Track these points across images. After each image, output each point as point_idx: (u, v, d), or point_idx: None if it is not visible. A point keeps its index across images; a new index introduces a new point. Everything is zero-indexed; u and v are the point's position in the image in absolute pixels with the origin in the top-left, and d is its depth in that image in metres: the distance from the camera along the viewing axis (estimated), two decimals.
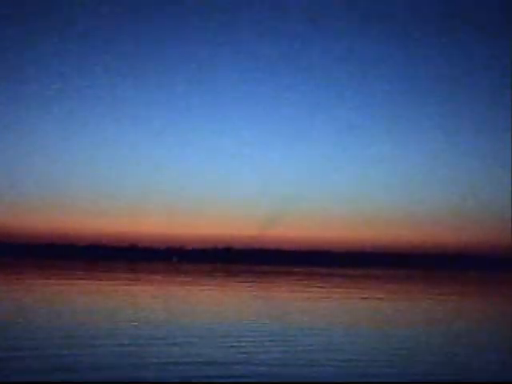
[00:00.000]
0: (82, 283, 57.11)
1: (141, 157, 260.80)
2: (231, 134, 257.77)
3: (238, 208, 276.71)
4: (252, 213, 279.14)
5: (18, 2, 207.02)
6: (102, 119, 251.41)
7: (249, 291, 54.59)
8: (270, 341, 21.73)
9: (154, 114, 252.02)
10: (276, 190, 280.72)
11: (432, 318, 33.43)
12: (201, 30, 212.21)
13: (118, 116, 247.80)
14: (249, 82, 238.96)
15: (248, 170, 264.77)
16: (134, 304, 36.19)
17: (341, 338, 23.43)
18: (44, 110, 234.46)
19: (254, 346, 20.43)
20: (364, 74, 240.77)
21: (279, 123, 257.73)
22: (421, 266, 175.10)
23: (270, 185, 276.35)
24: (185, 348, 19.54)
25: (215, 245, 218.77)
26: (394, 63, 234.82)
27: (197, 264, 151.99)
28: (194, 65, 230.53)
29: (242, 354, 18.62)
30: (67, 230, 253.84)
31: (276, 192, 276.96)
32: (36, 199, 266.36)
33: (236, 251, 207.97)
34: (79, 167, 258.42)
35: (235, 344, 20.62)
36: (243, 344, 20.70)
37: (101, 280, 63.64)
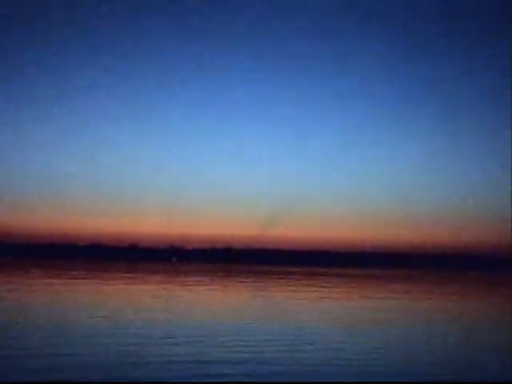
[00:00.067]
0: (81, 283, 56.99)
1: (141, 157, 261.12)
2: (231, 134, 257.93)
3: (238, 208, 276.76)
4: (252, 213, 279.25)
5: (18, 2, 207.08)
6: (102, 119, 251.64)
7: (249, 291, 54.56)
8: (270, 340, 21.72)
9: (154, 114, 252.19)
10: (276, 190, 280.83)
11: (432, 318, 33.41)
12: (201, 31, 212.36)
13: (118, 116, 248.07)
14: (249, 82, 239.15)
15: (248, 170, 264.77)
16: (134, 304, 36.16)
17: (341, 337, 23.41)
18: (44, 109, 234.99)
19: (254, 345, 20.43)
20: (364, 75, 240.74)
21: (279, 123, 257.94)
22: (421, 266, 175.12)
23: (270, 185, 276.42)
24: (185, 348, 19.54)
25: (215, 245, 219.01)
26: (394, 64, 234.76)
27: (197, 264, 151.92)
28: (195, 65, 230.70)
29: (242, 354, 18.62)
30: (67, 230, 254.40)
31: (276, 192, 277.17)
32: (36, 199, 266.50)
33: (236, 251, 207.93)
34: (79, 167, 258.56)
35: (235, 344, 20.62)
36: (243, 344, 20.70)
37: (101, 280, 63.57)
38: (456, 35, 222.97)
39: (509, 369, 18.23)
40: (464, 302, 49.10)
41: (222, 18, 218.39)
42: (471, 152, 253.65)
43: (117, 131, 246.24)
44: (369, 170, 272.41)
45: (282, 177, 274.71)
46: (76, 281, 60.26)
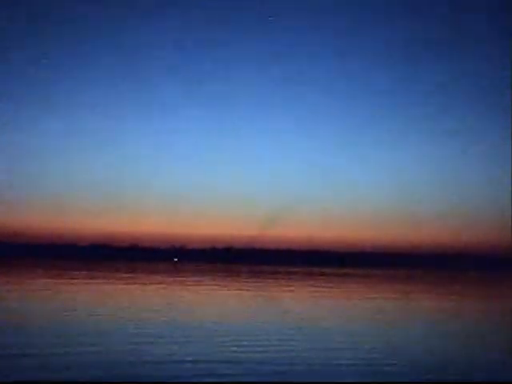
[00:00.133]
0: (82, 283, 56.97)
1: (141, 157, 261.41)
2: (232, 134, 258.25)
3: (239, 208, 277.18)
4: (252, 213, 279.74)
5: (18, 2, 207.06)
6: (103, 119, 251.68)
7: (249, 291, 54.55)
8: (270, 340, 21.74)
9: (154, 115, 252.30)
10: (276, 190, 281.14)
11: (432, 318, 33.45)
12: (201, 32, 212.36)
13: (118, 116, 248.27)
14: (249, 83, 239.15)
15: (248, 170, 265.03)
16: (134, 304, 36.18)
17: (341, 337, 23.41)
18: (44, 109, 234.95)
19: (254, 345, 20.43)
20: (364, 75, 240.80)
21: (279, 123, 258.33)
22: (421, 266, 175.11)
23: (270, 185, 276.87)
24: (185, 347, 19.55)
25: (215, 245, 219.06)
26: (394, 64, 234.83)
27: (197, 264, 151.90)
28: (195, 65, 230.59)
29: (242, 354, 18.64)
30: (67, 230, 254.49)
31: (276, 192, 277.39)
32: (36, 199, 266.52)
33: (236, 251, 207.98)
34: (80, 167, 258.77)
35: (235, 343, 20.62)
36: (243, 343, 20.71)
37: (101, 280, 63.53)
38: (456, 35, 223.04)
39: (509, 369, 18.22)
40: (464, 302, 49.10)
41: (222, 18, 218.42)
42: (471, 152, 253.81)
43: (117, 131, 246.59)
44: (369, 170, 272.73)
45: (282, 177, 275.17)
46: (76, 280, 60.24)
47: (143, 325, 25.21)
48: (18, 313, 28.59)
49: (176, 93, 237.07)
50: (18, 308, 31.09)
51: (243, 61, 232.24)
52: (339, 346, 21.17)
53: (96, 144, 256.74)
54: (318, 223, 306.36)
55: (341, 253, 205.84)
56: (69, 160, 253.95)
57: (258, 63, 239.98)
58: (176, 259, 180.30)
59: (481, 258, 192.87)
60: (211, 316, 30.11)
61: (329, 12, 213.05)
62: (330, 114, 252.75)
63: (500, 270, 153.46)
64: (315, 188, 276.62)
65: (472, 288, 75.60)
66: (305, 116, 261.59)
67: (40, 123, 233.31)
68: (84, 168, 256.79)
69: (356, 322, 29.30)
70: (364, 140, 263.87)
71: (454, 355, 20.11)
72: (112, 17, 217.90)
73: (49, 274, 73.60)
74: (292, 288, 60.55)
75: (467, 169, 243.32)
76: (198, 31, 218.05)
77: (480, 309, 42.21)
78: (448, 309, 40.88)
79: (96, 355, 17.64)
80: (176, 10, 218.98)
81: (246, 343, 20.87)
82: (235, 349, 19.57)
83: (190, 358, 17.60)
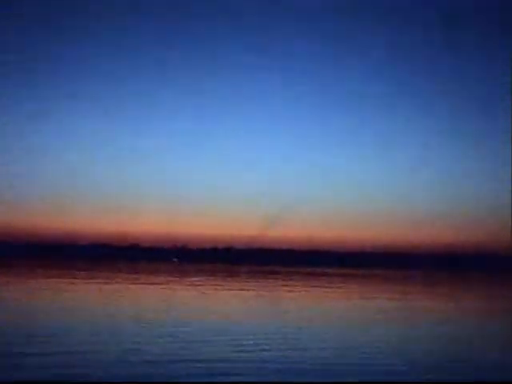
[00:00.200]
0: (82, 282, 56.99)
1: (142, 157, 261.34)
2: (232, 134, 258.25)
3: (239, 208, 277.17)
4: (253, 213, 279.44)
5: (18, 2, 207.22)
6: (103, 119, 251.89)
7: (249, 291, 54.64)
8: (270, 340, 21.75)
9: (155, 115, 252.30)
10: (276, 190, 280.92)
11: (432, 317, 33.50)
12: (202, 32, 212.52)
13: (118, 116, 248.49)
14: (250, 83, 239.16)
15: (249, 170, 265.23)
16: (134, 304, 36.22)
17: (341, 337, 23.50)
18: (44, 109, 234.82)
19: (254, 345, 20.48)
20: (364, 75, 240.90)
21: (280, 124, 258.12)
22: (421, 266, 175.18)
23: (270, 185, 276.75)
24: (185, 347, 19.55)
25: (216, 245, 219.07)
26: (394, 64, 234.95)
27: (198, 264, 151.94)
28: (196, 65, 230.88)
29: (242, 354, 18.68)
30: (68, 230, 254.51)
31: (277, 192, 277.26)
32: (37, 199, 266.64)
33: (237, 251, 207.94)
34: (81, 167, 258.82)
35: (235, 343, 20.66)
36: (243, 343, 20.74)
37: (101, 279, 63.50)
38: (456, 35, 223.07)
39: (509, 369, 18.26)
40: (464, 301, 49.18)
41: (222, 18, 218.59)
42: (471, 152, 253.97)
43: (118, 131, 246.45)
44: (369, 170, 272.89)
45: (283, 177, 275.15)
46: (76, 280, 60.19)
47: (143, 325, 25.21)
48: (18, 313, 28.59)
49: (176, 93, 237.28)
50: (18, 308, 31.13)
51: (243, 61, 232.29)
52: (339, 345, 21.18)
53: (97, 144, 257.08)
54: (318, 223, 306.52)
55: (341, 253, 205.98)
56: (69, 160, 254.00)
57: (259, 63, 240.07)
58: (175, 259, 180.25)
59: (481, 258, 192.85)
60: (211, 316, 30.10)
61: (329, 12, 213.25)
62: (330, 113, 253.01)
63: (500, 270, 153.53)
64: (315, 188, 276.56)
65: (472, 288, 75.74)
66: (305, 116, 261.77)
67: (40, 123, 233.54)
68: (85, 167, 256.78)
69: (356, 322, 29.33)
70: (364, 140, 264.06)
71: (454, 355, 20.14)
72: (115, 17, 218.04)
73: (49, 273, 73.58)
74: (292, 288, 60.63)
75: (467, 169, 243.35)
76: (198, 33, 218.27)
77: (480, 309, 42.25)
78: (448, 309, 40.90)
79: (96, 355, 17.64)
80: (176, 11, 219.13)
81: (246, 343, 20.88)
82: (235, 349, 19.58)
83: (190, 358, 17.60)
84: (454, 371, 17.24)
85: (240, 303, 40.63)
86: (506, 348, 22.79)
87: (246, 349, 19.67)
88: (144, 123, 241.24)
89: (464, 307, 43.24)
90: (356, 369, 17.01)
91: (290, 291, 55.57)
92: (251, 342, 21.06)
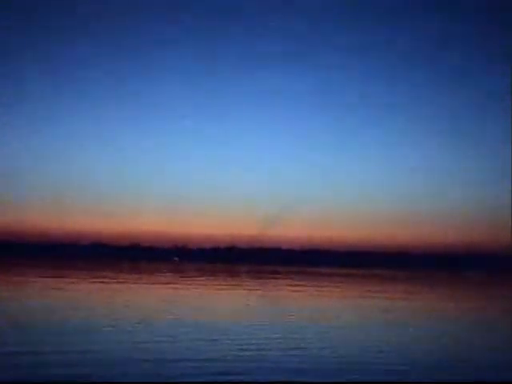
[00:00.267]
0: (82, 282, 56.96)
1: (143, 157, 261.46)
2: (233, 134, 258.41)
3: (240, 208, 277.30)
4: (253, 213, 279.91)
5: (18, 2, 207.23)
6: (103, 119, 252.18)
7: (250, 290, 54.74)
8: (270, 339, 21.80)
9: (155, 114, 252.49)
10: (277, 189, 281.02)
11: (432, 317, 33.54)
12: (202, 33, 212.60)
13: (119, 116, 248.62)
14: (250, 83, 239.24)
15: (249, 169, 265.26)
16: (134, 303, 36.31)
17: (341, 337, 23.55)
18: (44, 110, 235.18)
19: (254, 344, 20.51)
20: (364, 75, 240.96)
21: (280, 123, 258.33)
22: (421, 266, 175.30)
23: (271, 185, 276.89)
24: (185, 347, 19.61)
25: (217, 244, 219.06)
26: (394, 65, 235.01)
27: (198, 263, 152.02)
28: (196, 65, 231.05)
29: (242, 353, 18.70)
30: (69, 230, 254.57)
31: (277, 192, 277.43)
32: (37, 199, 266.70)
33: (237, 251, 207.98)
34: (81, 167, 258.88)
35: (235, 343, 20.68)
36: (244, 343, 20.77)
37: (101, 279, 63.40)
38: (456, 35, 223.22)
39: (509, 369, 18.28)
40: (464, 301, 49.26)
41: (222, 18, 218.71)
42: (471, 152, 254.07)
43: (119, 131, 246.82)
44: (369, 171, 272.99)
45: (284, 177, 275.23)
46: (76, 280, 60.13)
47: (143, 325, 25.25)
48: (18, 313, 28.64)
49: (176, 93, 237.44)
50: (18, 308, 31.18)
51: (244, 60, 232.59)
52: (339, 345, 21.20)
53: (98, 144, 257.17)
54: (318, 223, 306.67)
55: (341, 252, 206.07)
56: (70, 160, 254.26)
57: (259, 63, 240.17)
58: (176, 258, 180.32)
59: (481, 258, 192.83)
60: (212, 315, 30.14)
61: (329, 11, 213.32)
62: (330, 114, 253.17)
63: (500, 270, 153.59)
64: (315, 188, 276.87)
65: (472, 288, 75.83)
66: (305, 116, 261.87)
67: (40, 123, 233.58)
68: (85, 168, 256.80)
69: (356, 322, 29.37)
70: (364, 140, 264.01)
71: (454, 355, 20.18)
72: (115, 17, 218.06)
73: (49, 273, 73.57)
74: (292, 287, 60.67)
75: (467, 169, 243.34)
76: (198, 33, 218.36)
77: (480, 309, 42.25)
78: (448, 308, 40.94)
79: (96, 355, 17.64)
80: (176, 11, 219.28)
81: (246, 342, 20.92)
82: (235, 348, 19.60)
83: (190, 358, 17.64)
84: (454, 371, 17.26)
85: (240, 303, 40.67)
86: (505, 348, 22.81)
87: (246, 348, 19.67)
88: (144, 123, 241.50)
89: (464, 307, 43.26)
90: (356, 369, 17.01)
91: (290, 291, 55.57)
92: (251, 342, 21.09)
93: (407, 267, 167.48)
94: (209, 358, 17.67)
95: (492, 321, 33.86)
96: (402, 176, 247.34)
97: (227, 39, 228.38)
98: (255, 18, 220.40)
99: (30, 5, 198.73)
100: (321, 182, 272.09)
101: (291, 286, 64.73)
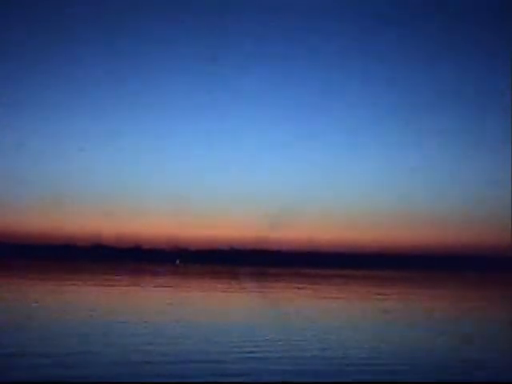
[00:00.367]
0: (83, 284, 56.92)
1: (144, 158, 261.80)
2: (234, 135, 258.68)
3: (242, 210, 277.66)
4: (255, 215, 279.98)
5: (19, 2, 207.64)
6: (105, 120, 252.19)
7: (251, 292, 54.93)
8: (270, 340, 21.87)
9: (157, 116, 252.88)
10: (279, 191, 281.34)
11: (432, 318, 33.59)
12: (202, 32, 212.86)
13: (120, 117, 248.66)
14: (251, 83, 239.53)
15: (251, 171, 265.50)
16: (134, 304, 36.47)
17: (341, 337, 23.61)
18: (44, 110, 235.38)
19: (254, 345, 20.55)
20: (365, 76, 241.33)
21: (281, 125, 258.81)
22: (421, 266, 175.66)
23: (273, 187, 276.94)
24: (185, 348, 19.67)
25: (218, 247, 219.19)
26: (394, 65, 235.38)
27: (200, 266, 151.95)
28: (199, 66, 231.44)
29: (242, 354, 18.77)
30: (70, 232, 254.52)
31: (279, 194, 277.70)
32: (37, 200, 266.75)
33: (239, 253, 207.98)
34: (82, 168, 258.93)
35: (236, 343, 20.76)
36: (244, 343, 20.83)
37: (102, 281, 63.49)
38: (456, 35, 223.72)
39: (509, 369, 18.33)
40: (464, 302, 49.17)
41: (221, 18, 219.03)
42: (471, 152, 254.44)
43: (120, 132, 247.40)
44: (370, 171, 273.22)
45: (285, 178, 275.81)
46: (77, 281, 60.05)
47: (143, 325, 25.36)
48: (18, 313, 28.69)
49: (179, 94, 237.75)
50: (18, 308, 31.22)
51: (245, 62, 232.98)
52: (339, 345, 21.26)
53: (98, 145, 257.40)
54: (319, 224, 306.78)
55: (341, 253, 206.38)
56: (71, 161, 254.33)
57: (259, 63, 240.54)
58: (179, 261, 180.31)
59: (481, 258, 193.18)
60: (213, 316, 30.24)
61: (329, 11, 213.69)
62: (330, 114, 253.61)
63: (500, 270, 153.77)
64: (316, 188, 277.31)
65: (472, 288, 75.95)
66: (305, 116, 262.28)
67: (40, 123, 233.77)
68: (86, 169, 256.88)
69: (356, 323, 29.42)
70: (364, 140, 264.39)
71: (454, 355, 20.23)
72: (113, 18, 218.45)
73: (50, 275, 73.47)
74: (293, 289, 60.82)
75: (467, 169, 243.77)
76: (199, 33, 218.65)
77: (480, 309, 42.26)
78: (448, 309, 41.05)
79: (96, 355, 17.66)
80: (176, 11, 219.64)
81: (246, 343, 20.97)
82: (236, 349, 19.65)
83: (190, 358, 17.69)
84: (454, 371, 17.29)
85: (241, 304, 40.79)
86: (505, 348, 22.87)
87: (246, 349, 19.69)
88: (144, 123, 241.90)
89: (464, 307, 43.25)
90: (356, 369, 17.03)
91: (291, 292, 55.67)
92: (251, 343, 21.13)
93: (408, 267, 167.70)
94: (209, 359, 17.74)
95: (492, 321, 33.89)
96: (402, 176, 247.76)
97: (227, 39, 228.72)
98: (255, 17, 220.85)
99: (30, 5, 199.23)
100: (321, 182, 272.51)
101: (292, 288, 64.82)
